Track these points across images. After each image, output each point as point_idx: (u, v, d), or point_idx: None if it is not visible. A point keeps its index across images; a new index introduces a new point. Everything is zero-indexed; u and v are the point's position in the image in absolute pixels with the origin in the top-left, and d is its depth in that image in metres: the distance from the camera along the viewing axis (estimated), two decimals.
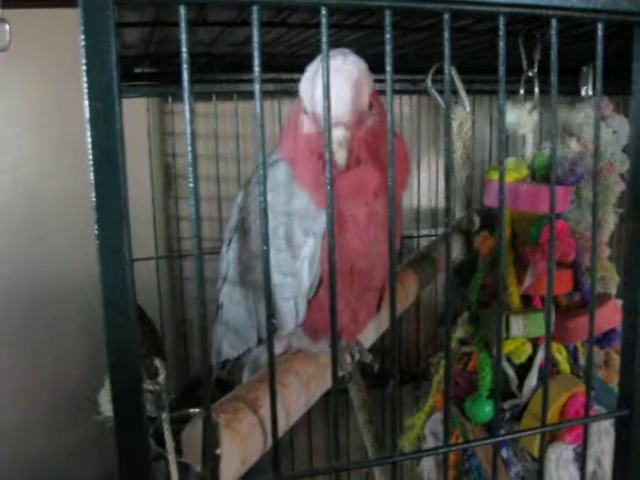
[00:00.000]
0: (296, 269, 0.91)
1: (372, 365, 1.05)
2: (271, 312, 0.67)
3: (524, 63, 1.19)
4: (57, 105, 1.72)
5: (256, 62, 0.62)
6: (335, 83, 0.75)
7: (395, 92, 1.93)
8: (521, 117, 1.24)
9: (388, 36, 0.65)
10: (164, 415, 1.13)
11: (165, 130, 1.91)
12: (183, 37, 0.60)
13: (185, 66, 0.60)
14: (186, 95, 0.61)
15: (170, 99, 1.84)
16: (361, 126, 0.85)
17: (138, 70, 1.74)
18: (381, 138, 0.87)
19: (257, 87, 0.63)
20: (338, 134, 0.80)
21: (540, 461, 0.90)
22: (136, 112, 1.75)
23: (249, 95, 1.83)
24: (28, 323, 1.85)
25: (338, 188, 0.75)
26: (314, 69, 0.84)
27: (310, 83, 0.84)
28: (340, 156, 0.81)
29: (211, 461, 0.67)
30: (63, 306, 1.84)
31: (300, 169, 0.89)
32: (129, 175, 1.61)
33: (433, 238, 2.06)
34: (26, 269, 1.84)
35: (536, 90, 1.22)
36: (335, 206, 0.66)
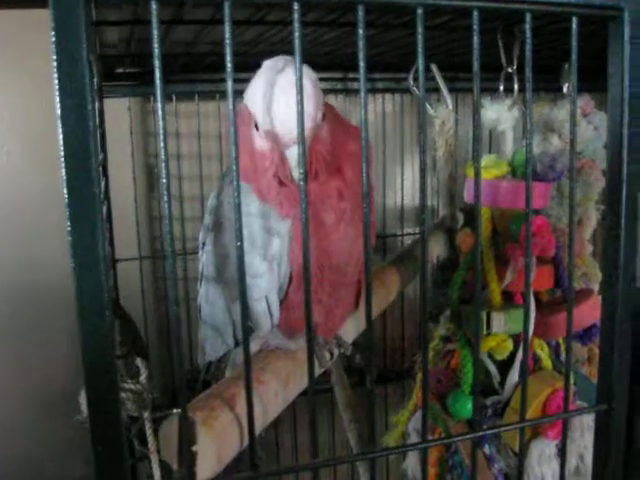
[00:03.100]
0: (264, 269, 0.91)
1: (353, 356, 1.06)
2: (247, 312, 0.67)
3: (503, 59, 1.19)
4: (42, 107, 1.71)
5: (228, 58, 0.62)
6: (291, 99, 0.73)
7: (378, 90, 1.94)
8: (501, 113, 1.24)
9: (361, 32, 0.64)
10: (146, 414, 1.12)
11: (147, 130, 1.91)
12: (155, 33, 0.60)
13: (157, 62, 0.60)
14: (158, 92, 0.61)
15: (152, 99, 1.83)
16: (317, 139, 0.84)
17: (119, 70, 1.74)
18: (337, 142, 0.87)
19: (229, 84, 0.63)
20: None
21: (520, 456, 0.91)
22: (118, 112, 1.75)
23: None
24: (13, 324, 1.84)
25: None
26: (265, 81, 0.81)
27: (263, 98, 0.81)
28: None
29: (187, 458, 0.66)
30: (48, 308, 1.84)
31: (259, 186, 0.89)
32: (111, 176, 1.60)
33: (417, 236, 2.06)
34: (12, 271, 1.83)
35: (515, 87, 1.22)
36: (300, 215, 0.65)
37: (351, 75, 1.89)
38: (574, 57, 0.75)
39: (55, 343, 1.86)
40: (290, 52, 0.81)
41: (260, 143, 0.86)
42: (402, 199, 2.12)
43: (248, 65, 0.84)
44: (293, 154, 0.80)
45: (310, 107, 0.79)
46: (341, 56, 1.61)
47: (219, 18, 1.12)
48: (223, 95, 1.82)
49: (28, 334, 1.87)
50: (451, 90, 1.42)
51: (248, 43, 1.38)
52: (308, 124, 0.78)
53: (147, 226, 1.94)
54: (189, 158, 1.90)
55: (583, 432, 1.17)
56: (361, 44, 0.64)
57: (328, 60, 1.68)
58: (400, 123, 2.07)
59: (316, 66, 0.83)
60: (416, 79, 1.41)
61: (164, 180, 0.61)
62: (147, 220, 1.95)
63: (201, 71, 1.78)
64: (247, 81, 0.86)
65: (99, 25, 1.16)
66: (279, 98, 0.79)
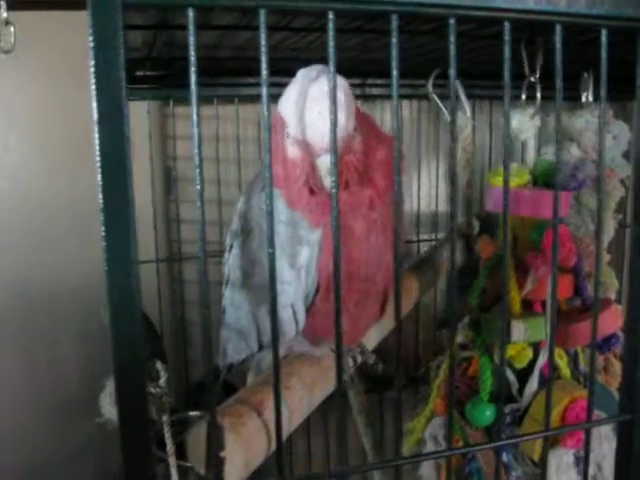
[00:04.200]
0: (292, 277, 0.91)
1: (376, 365, 1.06)
2: (277, 319, 0.67)
3: (526, 69, 1.19)
4: (61, 109, 1.71)
5: (263, 65, 0.63)
6: (323, 108, 0.75)
7: None
8: (523, 122, 1.24)
9: (394, 40, 0.65)
10: (165, 418, 1.13)
11: (166, 133, 1.91)
12: (191, 40, 0.60)
13: (193, 69, 0.61)
14: (193, 98, 0.61)
15: (172, 102, 1.84)
16: (349, 148, 0.84)
17: (139, 73, 1.74)
18: (368, 152, 0.87)
19: (264, 90, 0.63)
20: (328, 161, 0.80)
21: (543, 465, 0.90)
22: (137, 115, 1.75)
23: (250, 99, 1.84)
24: (25, 328, 1.84)
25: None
26: (298, 90, 0.82)
27: (296, 107, 0.82)
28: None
29: (215, 464, 0.67)
30: (61, 311, 1.84)
31: (289, 194, 0.89)
32: None
33: (433, 243, 2.05)
34: (24, 274, 1.83)
35: (538, 95, 1.22)
36: (330, 224, 0.66)
37: (370, 81, 1.89)
38: (604, 69, 0.75)
39: (66, 349, 1.87)
40: (311, 58, 0.81)
41: (292, 151, 0.86)
42: (418, 205, 2.12)
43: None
44: (324, 163, 0.80)
45: (342, 117, 0.80)
46: (360, 62, 1.61)
47: (245, 24, 1.12)
48: (242, 99, 1.82)
49: (39, 339, 1.87)
50: (468, 97, 1.42)
51: (270, 48, 1.39)
52: (339, 134, 0.79)
53: (164, 229, 1.95)
54: (207, 161, 1.90)
55: (602, 441, 1.17)
56: (394, 52, 0.65)
57: (347, 66, 1.68)
58: (417, 129, 2.07)
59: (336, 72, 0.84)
60: (434, 85, 1.41)
61: (198, 186, 0.61)
62: (164, 223, 1.95)
63: (220, 75, 1.78)
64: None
65: (125, 29, 1.17)
66: (311, 107, 0.80)
